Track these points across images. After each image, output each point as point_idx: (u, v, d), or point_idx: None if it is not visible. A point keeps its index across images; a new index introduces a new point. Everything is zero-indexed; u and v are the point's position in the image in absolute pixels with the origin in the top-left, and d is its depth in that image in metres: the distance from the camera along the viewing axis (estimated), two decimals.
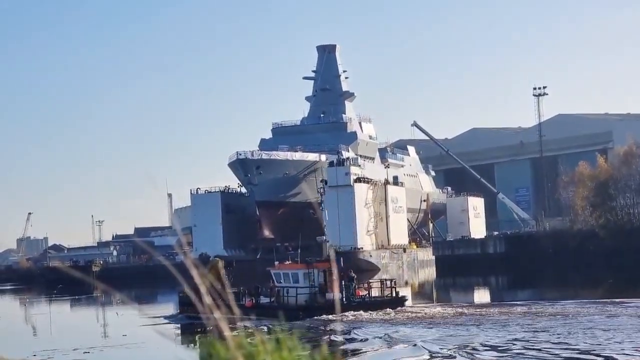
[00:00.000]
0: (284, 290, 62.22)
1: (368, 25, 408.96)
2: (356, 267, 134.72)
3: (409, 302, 65.58)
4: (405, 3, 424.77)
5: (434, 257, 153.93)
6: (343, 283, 61.87)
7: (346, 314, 59.13)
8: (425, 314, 59.99)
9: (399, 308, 61.74)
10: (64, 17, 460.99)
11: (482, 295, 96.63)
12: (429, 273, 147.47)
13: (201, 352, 6.68)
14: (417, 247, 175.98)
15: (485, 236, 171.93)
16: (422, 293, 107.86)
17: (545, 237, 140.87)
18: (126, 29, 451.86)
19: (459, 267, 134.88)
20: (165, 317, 69.62)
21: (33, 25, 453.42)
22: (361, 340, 48.08)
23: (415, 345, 44.87)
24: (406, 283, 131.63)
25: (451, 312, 60.34)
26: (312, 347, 6.62)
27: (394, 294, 63.97)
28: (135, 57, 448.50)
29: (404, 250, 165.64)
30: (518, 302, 66.82)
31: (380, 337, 48.42)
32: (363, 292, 63.91)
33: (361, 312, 59.46)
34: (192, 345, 55.82)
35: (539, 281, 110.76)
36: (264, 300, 62.83)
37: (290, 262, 67.15)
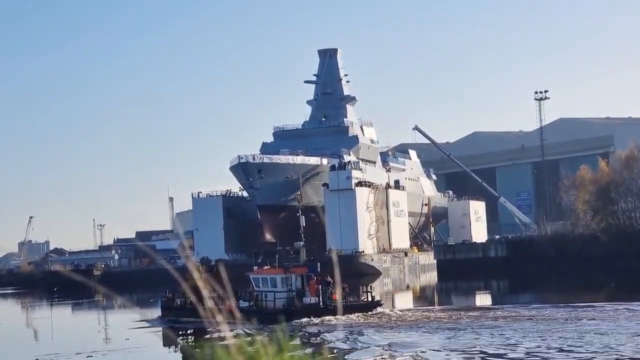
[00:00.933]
0: (262, 295, 63.60)
1: (369, 29, 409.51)
2: (357, 271, 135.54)
3: (386, 306, 67.10)
4: (407, 7, 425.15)
5: (435, 261, 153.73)
6: (320, 288, 63.00)
7: (325, 317, 60.44)
8: (399, 317, 61.47)
9: (374, 311, 63.08)
10: (65, 20, 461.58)
11: (476, 299, 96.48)
12: (431, 277, 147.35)
13: (203, 356, 6.74)
14: (419, 251, 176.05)
15: (486, 240, 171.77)
16: (423, 297, 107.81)
17: (546, 241, 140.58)
18: (128, 33, 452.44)
19: (460, 271, 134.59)
20: (147, 321, 70.47)
21: (35, 26, 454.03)
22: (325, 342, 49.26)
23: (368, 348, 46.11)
24: (407, 287, 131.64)
25: (426, 316, 61.73)
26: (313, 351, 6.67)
27: (369, 299, 65.09)
28: (137, 61, 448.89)
29: (406, 254, 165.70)
30: (492, 306, 69.54)
31: (346, 341, 49.43)
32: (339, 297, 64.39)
33: (337, 315, 60.63)
34: (174, 348, 57.27)
35: (540, 285, 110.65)
36: (243, 304, 63.48)
37: (268, 267, 68.61)
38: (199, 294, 66.79)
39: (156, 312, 73.19)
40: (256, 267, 69.14)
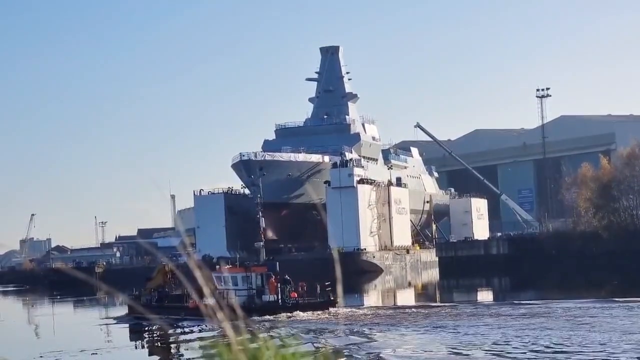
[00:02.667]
0: (224, 293, 64.91)
1: (371, 26, 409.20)
2: (359, 269, 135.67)
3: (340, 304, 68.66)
4: (408, 5, 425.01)
5: (437, 258, 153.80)
6: (279, 286, 65.88)
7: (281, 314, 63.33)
8: (353, 314, 63.99)
9: (330, 309, 65.51)
10: (68, 21, 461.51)
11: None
12: (432, 274, 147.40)
13: (205, 354, 6.78)
14: (420, 248, 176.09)
15: (488, 237, 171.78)
16: (424, 294, 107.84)
17: (548, 238, 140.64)
18: (130, 32, 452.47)
19: (462, 268, 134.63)
20: (115, 318, 73.26)
21: (37, 26, 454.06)
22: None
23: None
24: (409, 284, 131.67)
25: (380, 313, 64.19)
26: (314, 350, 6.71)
27: (325, 297, 67.25)
28: (139, 59, 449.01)
29: (407, 252, 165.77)
30: (446, 304, 72.51)
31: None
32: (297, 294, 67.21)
33: (297, 312, 64.09)
34: (141, 344, 59.93)
35: (541, 282, 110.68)
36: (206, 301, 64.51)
37: (230, 266, 70.36)
38: (162, 292, 70.09)
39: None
40: (218, 266, 71.24)
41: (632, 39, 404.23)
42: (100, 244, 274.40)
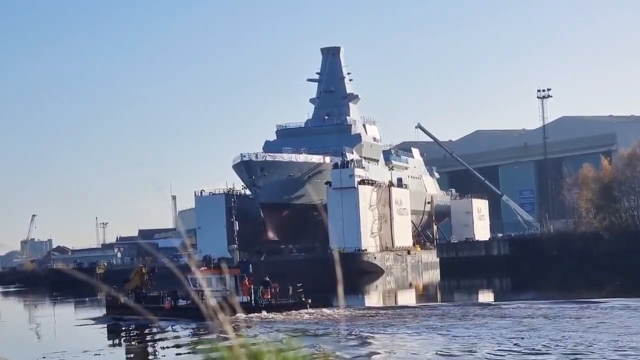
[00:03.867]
0: (198, 294, 66.50)
1: (372, 27, 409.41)
2: (360, 269, 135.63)
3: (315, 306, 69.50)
4: (409, 5, 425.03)
5: (438, 259, 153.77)
6: (252, 287, 68.07)
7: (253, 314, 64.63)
8: (323, 315, 64.82)
9: (301, 310, 66.62)
10: (68, 21, 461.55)
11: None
12: (433, 275, 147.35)
13: (205, 354, 6.73)
14: (421, 249, 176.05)
15: (489, 238, 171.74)
16: (425, 295, 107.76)
17: (549, 239, 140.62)
18: (131, 32, 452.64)
19: (463, 269, 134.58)
20: (93, 319, 75.03)
21: (37, 27, 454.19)
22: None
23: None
24: (410, 285, 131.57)
25: (347, 316, 64.42)
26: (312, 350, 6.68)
27: (297, 298, 68.72)
28: (140, 59, 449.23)
29: (408, 252, 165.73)
30: (412, 305, 74.08)
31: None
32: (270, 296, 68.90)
33: (266, 313, 65.59)
34: (120, 344, 61.57)
35: (542, 283, 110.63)
36: (181, 302, 68.35)
37: (205, 268, 72.36)
38: (139, 294, 72.03)
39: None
40: (193, 269, 73.21)
41: (633, 39, 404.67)
42: (101, 244, 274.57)
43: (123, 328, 66.41)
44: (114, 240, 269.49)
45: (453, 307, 69.08)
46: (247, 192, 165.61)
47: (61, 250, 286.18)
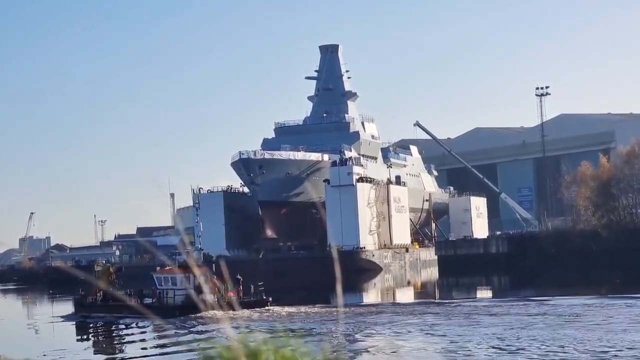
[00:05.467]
0: (164, 292, 70.48)
1: (370, 25, 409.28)
2: (358, 267, 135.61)
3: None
4: (408, 3, 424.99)
5: (436, 257, 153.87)
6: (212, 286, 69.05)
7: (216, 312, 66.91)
8: (283, 313, 67.36)
9: (263, 308, 68.92)
10: (67, 20, 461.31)
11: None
12: (432, 273, 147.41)
13: (203, 352, 6.73)
14: (420, 246, 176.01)
15: (487, 236, 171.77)
16: (424, 292, 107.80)
17: (547, 237, 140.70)
18: (129, 30, 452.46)
19: (461, 267, 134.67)
20: (62, 317, 78.54)
21: (36, 26, 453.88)
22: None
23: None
24: (408, 283, 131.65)
25: (308, 311, 67.49)
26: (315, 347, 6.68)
27: (258, 297, 70.96)
28: (138, 57, 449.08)
29: (407, 250, 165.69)
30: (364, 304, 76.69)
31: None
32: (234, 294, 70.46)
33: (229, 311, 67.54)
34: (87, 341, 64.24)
35: (541, 281, 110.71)
36: (147, 300, 70.82)
37: (170, 267, 74.41)
38: (108, 292, 74.19)
39: None
40: (159, 268, 75.85)
41: (632, 37, 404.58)
42: (100, 242, 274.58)
43: (91, 325, 69.38)
44: (112, 238, 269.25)
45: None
46: (246, 189, 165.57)
47: (59, 248, 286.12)
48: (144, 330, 62.04)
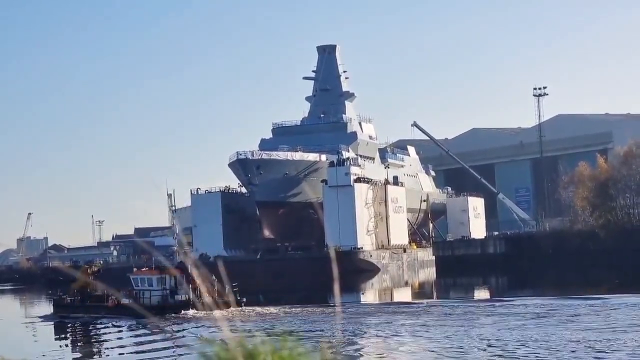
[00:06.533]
0: (140, 293, 72.65)
1: (368, 25, 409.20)
2: (356, 267, 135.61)
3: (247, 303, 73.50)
4: (406, 3, 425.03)
5: (434, 257, 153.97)
6: (190, 287, 71.35)
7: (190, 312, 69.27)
8: (257, 313, 69.21)
9: (238, 308, 70.15)
10: (65, 19, 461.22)
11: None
12: (429, 273, 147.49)
13: (201, 352, 6.73)
14: (417, 247, 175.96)
15: (485, 236, 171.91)
16: (421, 293, 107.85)
17: (545, 237, 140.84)
18: (127, 30, 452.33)
19: (459, 267, 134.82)
20: (40, 317, 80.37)
21: (35, 25, 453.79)
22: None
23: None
24: (406, 283, 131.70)
25: (276, 311, 69.27)
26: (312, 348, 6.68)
27: (234, 298, 70.97)
28: (136, 57, 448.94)
29: (404, 251, 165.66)
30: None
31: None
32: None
33: (199, 311, 69.33)
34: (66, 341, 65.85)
35: (539, 281, 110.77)
36: (124, 301, 71.88)
37: (146, 268, 77.56)
38: (85, 293, 77.35)
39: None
40: (135, 269, 78.69)
41: (630, 37, 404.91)
42: (97, 242, 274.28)
43: (69, 325, 71.43)
44: (110, 239, 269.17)
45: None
46: (244, 190, 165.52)
47: (57, 248, 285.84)
48: (120, 329, 64.45)
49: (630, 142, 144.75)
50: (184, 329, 60.18)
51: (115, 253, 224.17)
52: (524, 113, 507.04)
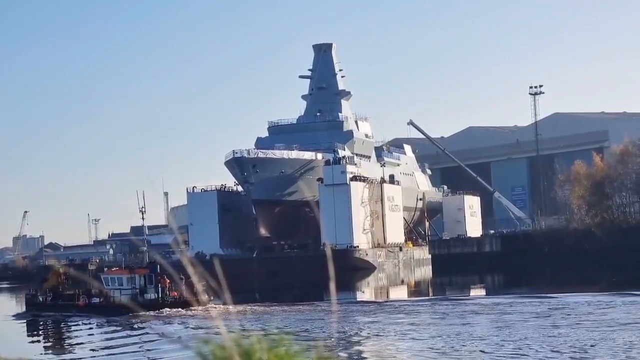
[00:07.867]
0: (111, 292, 74.74)
1: (364, 24, 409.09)
2: (352, 266, 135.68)
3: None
4: (402, 2, 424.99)
5: (430, 256, 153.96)
6: (159, 286, 74.22)
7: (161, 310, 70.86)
8: (225, 311, 68.22)
9: (205, 307, 69.95)
10: (61, 18, 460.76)
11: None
12: (425, 272, 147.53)
13: (198, 351, 6.74)
14: (413, 245, 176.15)
15: (481, 235, 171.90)
16: (417, 291, 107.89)
17: (541, 235, 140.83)
18: (123, 29, 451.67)
19: (455, 265, 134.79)
20: (13, 315, 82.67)
21: (31, 22, 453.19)
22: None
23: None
24: (402, 281, 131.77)
25: (246, 310, 69.65)
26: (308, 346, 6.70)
27: (197, 297, 72.23)
28: (132, 56, 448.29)
29: (400, 249, 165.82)
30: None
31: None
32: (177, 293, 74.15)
33: (172, 309, 71.42)
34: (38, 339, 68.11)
35: (534, 280, 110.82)
36: (95, 300, 75.61)
37: (117, 268, 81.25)
38: (57, 292, 79.58)
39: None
40: (106, 269, 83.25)
41: (626, 36, 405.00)
42: (94, 241, 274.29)
43: (41, 323, 73.87)
44: (106, 237, 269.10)
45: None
46: (240, 188, 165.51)
47: (53, 246, 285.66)
48: (90, 327, 66.41)
49: (626, 141, 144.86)
50: (150, 327, 62.00)
51: (111, 251, 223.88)
52: (520, 111, 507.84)
